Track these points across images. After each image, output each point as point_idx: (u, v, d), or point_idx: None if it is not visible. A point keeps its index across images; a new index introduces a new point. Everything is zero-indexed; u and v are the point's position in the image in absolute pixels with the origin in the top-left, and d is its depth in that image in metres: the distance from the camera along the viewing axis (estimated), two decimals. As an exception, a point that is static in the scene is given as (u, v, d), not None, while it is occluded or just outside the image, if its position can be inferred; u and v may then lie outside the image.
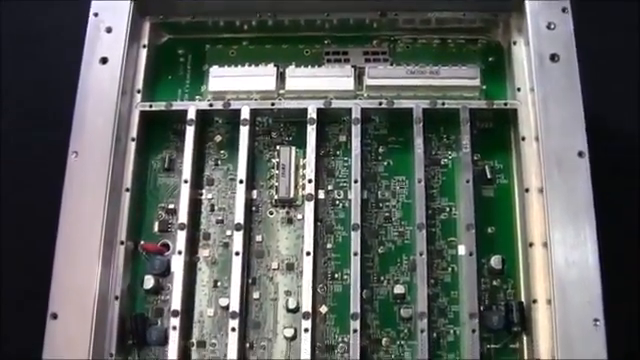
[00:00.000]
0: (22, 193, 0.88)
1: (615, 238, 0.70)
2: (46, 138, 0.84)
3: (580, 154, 0.69)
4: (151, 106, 0.76)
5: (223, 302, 0.71)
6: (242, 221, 0.71)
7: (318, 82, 0.76)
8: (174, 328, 0.69)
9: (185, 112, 0.75)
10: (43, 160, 0.84)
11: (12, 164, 0.90)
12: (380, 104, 0.74)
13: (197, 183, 0.75)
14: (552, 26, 0.73)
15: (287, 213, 0.74)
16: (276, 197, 0.74)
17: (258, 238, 0.73)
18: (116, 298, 0.70)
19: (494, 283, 0.71)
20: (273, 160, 0.75)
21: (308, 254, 0.70)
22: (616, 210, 0.77)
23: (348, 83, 0.75)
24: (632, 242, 0.83)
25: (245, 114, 0.74)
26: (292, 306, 0.71)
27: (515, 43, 0.77)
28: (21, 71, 0.94)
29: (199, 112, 0.75)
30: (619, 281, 0.72)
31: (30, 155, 0.90)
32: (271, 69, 0.76)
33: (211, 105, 0.75)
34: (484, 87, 0.76)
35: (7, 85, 0.93)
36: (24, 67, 0.94)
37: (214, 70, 0.77)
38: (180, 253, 0.71)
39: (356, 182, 0.71)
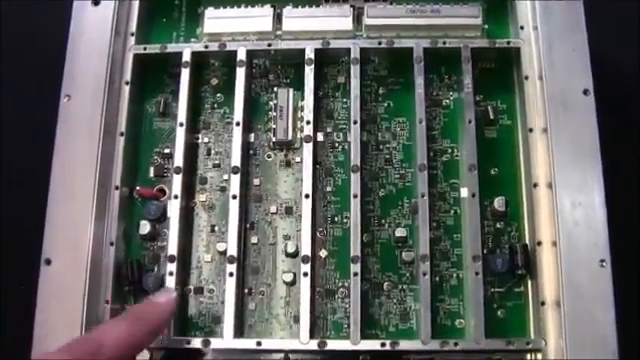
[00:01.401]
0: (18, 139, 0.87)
1: (620, 178, 0.69)
2: (40, 82, 0.82)
3: (585, 92, 0.68)
4: (145, 49, 0.74)
5: (221, 247, 0.70)
6: (239, 164, 0.70)
7: (316, 22, 0.74)
8: (171, 274, 0.67)
9: (180, 54, 0.73)
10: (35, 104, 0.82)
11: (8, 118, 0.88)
12: (379, 44, 0.73)
13: (193, 127, 0.73)
14: (555, -39, 0.71)
15: (285, 156, 0.73)
16: (274, 140, 0.72)
17: (256, 182, 0.72)
18: (111, 244, 0.69)
19: (498, 226, 0.70)
20: (271, 102, 0.74)
21: (307, 197, 0.68)
22: (621, 150, 0.75)
23: (346, 23, 0.74)
24: (637, 181, 0.81)
25: (241, 55, 0.72)
26: (291, 250, 0.69)
27: (518, -19, 0.75)
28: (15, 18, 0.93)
29: (194, 54, 0.73)
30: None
31: (23, 100, 0.88)
32: (267, 10, 0.75)
33: (207, 47, 0.74)
34: (486, 26, 0.74)
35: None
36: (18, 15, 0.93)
37: (209, 12, 0.75)
38: (176, 198, 0.69)
39: (355, 123, 0.70)
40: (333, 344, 0.65)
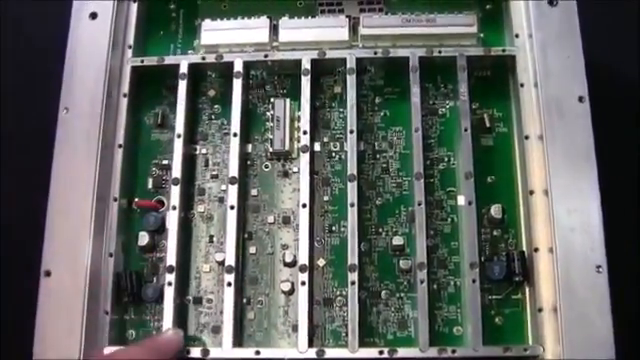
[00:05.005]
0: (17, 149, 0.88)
1: (615, 184, 0.69)
2: (38, 94, 0.83)
3: (580, 99, 0.68)
4: (143, 61, 0.75)
5: (219, 257, 0.70)
6: (237, 175, 0.70)
7: (312, 33, 0.74)
8: (170, 284, 0.68)
9: (177, 66, 0.73)
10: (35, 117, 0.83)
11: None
12: (375, 53, 0.73)
13: (191, 138, 0.74)
14: (550, -31, 0.72)
15: (283, 166, 0.73)
16: (271, 150, 0.72)
17: (254, 192, 0.72)
18: (110, 255, 0.69)
19: (495, 233, 0.70)
20: (268, 113, 0.74)
21: (304, 206, 0.69)
22: (616, 156, 0.75)
23: (342, 33, 0.74)
24: (632, 187, 0.81)
25: (238, 67, 0.73)
26: (289, 260, 0.70)
27: (513, -11, 0.75)
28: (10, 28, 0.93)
29: (191, 66, 0.74)
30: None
31: (22, 114, 0.89)
32: (264, 21, 0.75)
33: (204, 58, 0.74)
34: (481, 35, 0.74)
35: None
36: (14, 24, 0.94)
37: (206, 24, 0.75)
38: (175, 209, 0.70)
39: (352, 133, 0.70)
40: (331, 352, 0.66)
